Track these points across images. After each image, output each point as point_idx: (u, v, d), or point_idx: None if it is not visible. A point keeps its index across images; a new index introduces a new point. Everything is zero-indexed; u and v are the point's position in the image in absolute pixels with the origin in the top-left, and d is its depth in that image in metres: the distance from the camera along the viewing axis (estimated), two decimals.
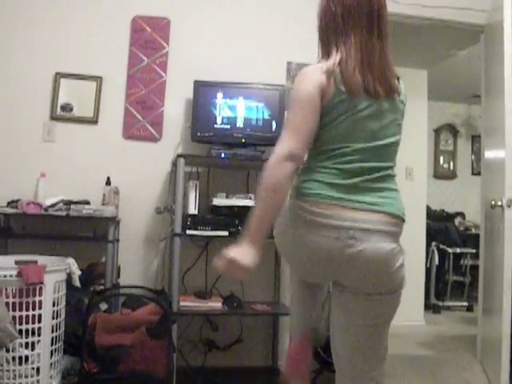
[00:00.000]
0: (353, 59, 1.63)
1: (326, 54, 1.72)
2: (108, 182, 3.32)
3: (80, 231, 3.22)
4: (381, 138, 1.67)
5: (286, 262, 1.83)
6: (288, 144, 1.57)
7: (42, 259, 2.63)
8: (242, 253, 1.51)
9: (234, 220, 3.18)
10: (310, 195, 1.62)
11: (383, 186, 1.66)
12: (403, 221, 1.70)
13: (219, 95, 3.39)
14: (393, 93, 1.70)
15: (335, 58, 1.65)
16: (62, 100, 3.47)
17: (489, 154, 4.04)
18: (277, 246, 1.77)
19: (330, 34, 1.71)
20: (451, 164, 8.01)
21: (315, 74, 1.63)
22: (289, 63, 3.74)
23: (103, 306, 2.95)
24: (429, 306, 6.06)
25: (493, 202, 3.36)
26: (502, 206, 3.28)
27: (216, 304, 3.22)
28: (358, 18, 1.67)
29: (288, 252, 1.73)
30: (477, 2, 4.10)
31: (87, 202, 3.17)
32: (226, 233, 3.18)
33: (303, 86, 1.63)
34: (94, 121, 3.50)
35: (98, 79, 3.50)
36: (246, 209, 3.24)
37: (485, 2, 4.03)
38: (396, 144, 1.73)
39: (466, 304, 6.40)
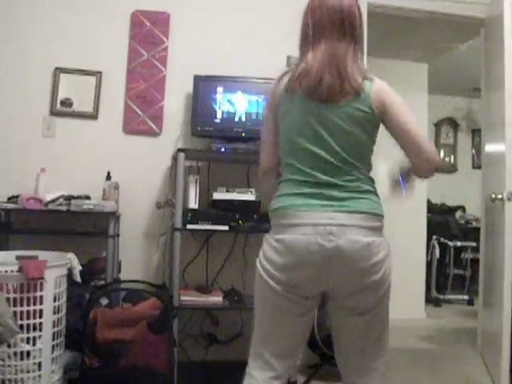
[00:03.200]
0: (319, 63, 1.71)
1: (299, 60, 1.81)
2: (108, 177, 3.32)
3: (80, 226, 3.22)
4: (333, 146, 1.71)
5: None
6: (261, 161, 1.95)
7: (42, 254, 2.64)
8: None
9: (234, 214, 3.18)
10: (280, 209, 1.73)
11: (349, 188, 1.70)
12: (378, 215, 1.72)
13: (219, 89, 3.38)
14: (353, 97, 1.71)
15: (301, 63, 1.76)
16: (61, 95, 3.47)
17: (489, 148, 4.04)
18: (267, 271, 1.71)
19: (304, 42, 1.81)
20: (452, 157, 8.01)
21: (273, 89, 1.84)
22: (289, 57, 3.71)
23: (104, 301, 2.95)
24: (430, 300, 6.07)
25: (493, 196, 3.36)
26: (502, 199, 3.28)
27: (217, 298, 3.22)
28: (329, 27, 1.76)
29: (274, 267, 1.68)
30: None
31: (87, 197, 3.18)
32: (226, 227, 3.17)
33: (265, 105, 1.91)
34: (93, 116, 3.50)
35: (97, 74, 3.50)
36: (247, 203, 3.24)
37: None
38: (351, 154, 1.72)
39: (466, 297, 6.41)
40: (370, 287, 1.67)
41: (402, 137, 1.74)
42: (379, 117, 1.74)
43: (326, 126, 1.70)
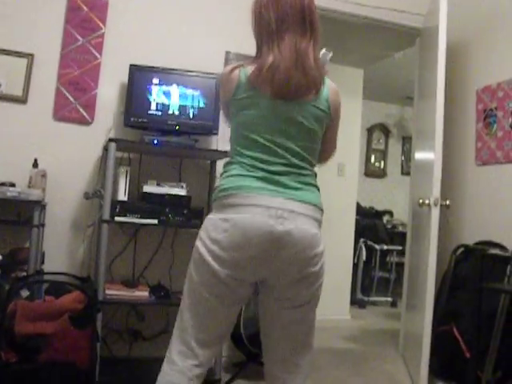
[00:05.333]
0: (286, 60, 1.72)
1: (259, 54, 1.81)
2: (35, 164, 3.19)
3: (3, 214, 3.09)
4: (290, 140, 1.75)
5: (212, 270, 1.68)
6: None
7: None
8: None
9: (164, 208, 3.13)
10: (231, 188, 1.71)
11: (301, 180, 1.75)
12: (322, 210, 1.78)
13: (155, 81, 3.32)
14: (312, 95, 1.76)
15: (267, 58, 1.74)
16: None
17: (418, 155, 4.15)
18: (207, 252, 1.69)
19: (265, 37, 1.80)
20: (382, 163, 8.20)
21: (226, 78, 1.82)
22: (227, 53, 3.71)
23: (24, 293, 2.84)
24: (355, 301, 6.19)
25: (420, 201, 3.45)
26: (429, 204, 3.38)
27: (143, 293, 3.16)
28: (291, 23, 1.77)
29: (217, 246, 1.66)
30: (413, 6, 4.20)
31: (12, 184, 3.04)
32: (155, 221, 3.12)
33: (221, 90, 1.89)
34: (22, 100, 3.35)
35: (29, 56, 3.36)
36: (177, 197, 3.20)
37: (421, 6, 4.13)
38: (306, 148, 1.78)
39: (390, 299, 6.58)
40: (309, 278, 1.70)
41: (328, 140, 1.91)
42: (331, 116, 1.83)
43: (288, 123, 1.74)
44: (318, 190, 1.82)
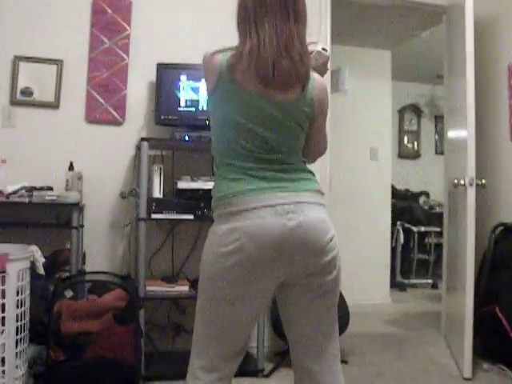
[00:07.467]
0: (267, 45, 1.59)
1: (240, 42, 1.68)
2: (71, 167, 3.26)
3: (43, 218, 3.17)
4: (274, 138, 1.66)
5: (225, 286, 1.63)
6: None
7: (4, 247, 2.58)
8: None
9: (199, 203, 3.17)
10: (228, 195, 1.64)
11: (295, 171, 1.69)
12: (323, 194, 1.74)
13: (183, 77, 3.35)
14: (302, 84, 1.66)
15: (244, 46, 1.61)
16: (21, 84, 3.38)
17: (452, 134, 4.09)
18: (216, 269, 1.64)
19: (244, 22, 1.67)
20: (415, 144, 8.11)
21: (209, 64, 1.67)
22: None
23: (68, 293, 2.91)
24: (395, 284, 6.17)
25: (455, 181, 3.41)
26: (464, 184, 3.33)
27: (183, 288, 3.21)
28: (271, 5, 1.62)
29: (230, 260, 1.59)
30: None
31: (50, 188, 3.12)
32: (191, 216, 3.16)
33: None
34: (55, 105, 3.43)
35: (58, 62, 3.43)
36: (211, 191, 3.23)
37: None
38: (288, 144, 1.69)
39: (430, 281, 6.53)
40: (330, 265, 1.65)
41: (312, 138, 1.80)
42: (315, 114, 1.73)
43: (279, 111, 1.64)
44: (313, 175, 1.76)
